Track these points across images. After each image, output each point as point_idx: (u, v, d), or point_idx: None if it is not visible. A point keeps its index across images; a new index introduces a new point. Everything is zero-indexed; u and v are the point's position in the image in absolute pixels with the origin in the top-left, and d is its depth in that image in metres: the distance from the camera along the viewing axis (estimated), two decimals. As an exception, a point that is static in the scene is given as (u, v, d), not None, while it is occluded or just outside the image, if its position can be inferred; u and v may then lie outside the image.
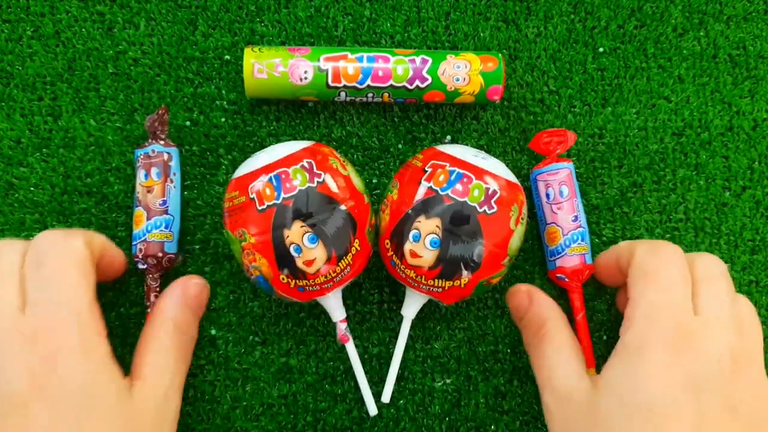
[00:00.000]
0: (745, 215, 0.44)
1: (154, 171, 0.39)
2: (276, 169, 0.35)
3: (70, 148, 0.42)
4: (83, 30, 0.43)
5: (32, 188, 0.42)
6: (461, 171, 0.36)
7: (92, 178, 0.42)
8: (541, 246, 0.42)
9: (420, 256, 0.35)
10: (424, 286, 0.37)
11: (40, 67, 0.42)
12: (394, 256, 0.37)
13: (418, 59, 0.40)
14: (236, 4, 0.43)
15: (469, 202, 0.35)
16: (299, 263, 0.35)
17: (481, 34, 0.44)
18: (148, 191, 0.39)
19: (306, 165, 0.35)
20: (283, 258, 0.35)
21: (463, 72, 0.40)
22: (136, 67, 0.43)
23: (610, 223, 0.43)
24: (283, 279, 0.35)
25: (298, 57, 0.40)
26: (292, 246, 0.34)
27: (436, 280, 0.36)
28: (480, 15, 0.44)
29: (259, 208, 0.35)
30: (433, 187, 0.36)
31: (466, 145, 0.43)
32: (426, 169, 0.36)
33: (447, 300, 0.37)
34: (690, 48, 0.45)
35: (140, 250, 0.39)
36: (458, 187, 0.35)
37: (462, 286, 0.36)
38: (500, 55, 0.41)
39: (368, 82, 0.40)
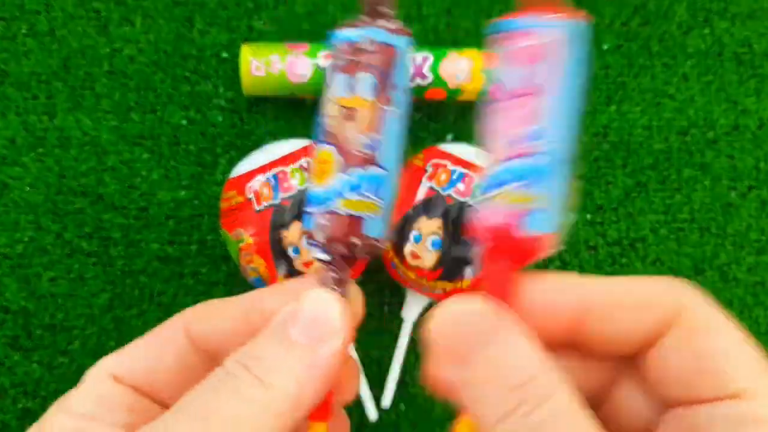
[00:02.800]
0: (751, 215, 0.44)
1: (364, 80, 0.21)
2: (274, 168, 0.35)
3: (65, 147, 0.41)
4: (78, 27, 0.42)
5: (27, 188, 0.41)
6: (463, 170, 0.35)
7: (87, 178, 0.41)
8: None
9: (421, 258, 0.35)
10: (425, 288, 0.36)
11: (35, 65, 0.42)
12: (394, 257, 0.36)
13: (418, 56, 0.40)
14: (234, 1, 0.43)
15: (471, 202, 0.34)
16: (298, 264, 0.34)
17: (483, 31, 0.44)
18: (348, 116, 0.21)
19: (304, 164, 0.35)
20: (281, 259, 0.34)
21: (465, 69, 0.40)
22: (132, 65, 0.42)
23: (614, 224, 0.43)
24: (281, 281, 0.35)
25: (296, 54, 0.39)
26: (291, 247, 0.34)
27: (438, 282, 0.35)
28: (482, 11, 0.44)
29: (257, 208, 0.34)
30: (435, 186, 0.35)
31: (468, 144, 0.43)
32: (427, 168, 0.36)
33: (448, 302, 0.37)
34: (695, 46, 0.44)
35: (321, 226, 0.21)
36: (460, 186, 0.35)
37: (464, 287, 0.35)
38: (502, 52, 0.40)
39: (368, 80, 0.39)
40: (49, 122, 0.42)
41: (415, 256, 0.35)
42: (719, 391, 0.18)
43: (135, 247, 0.41)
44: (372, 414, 0.40)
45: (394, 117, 0.20)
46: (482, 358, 0.18)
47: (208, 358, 0.22)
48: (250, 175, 0.35)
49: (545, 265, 0.42)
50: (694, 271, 0.43)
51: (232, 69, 0.42)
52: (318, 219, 0.20)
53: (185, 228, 0.41)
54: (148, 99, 0.42)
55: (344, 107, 0.20)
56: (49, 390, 0.40)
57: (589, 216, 0.43)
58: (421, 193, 0.35)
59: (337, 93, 0.20)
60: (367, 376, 0.41)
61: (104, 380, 0.21)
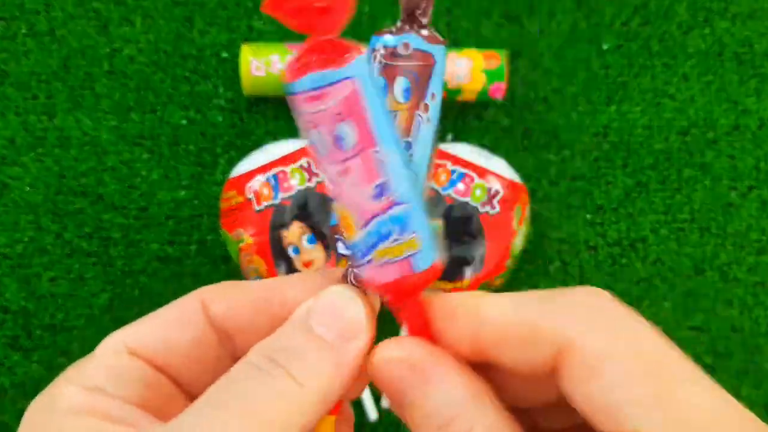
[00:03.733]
0: (751, 215, 0.43)
1: (399, 84, 0.20)
2: (274, 168, 0.35)
3: (65, 147, 0.41)
4: (78, 27, 0.42)
5: (27, 188, 0.41)
6: (463, 170, 0.35)
7: (87, 178, 0.41)
8: (543, 243, 0.42)
9: (421, 257, 0.35)
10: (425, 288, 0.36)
11: (35, 65, 0.42)
12: (394, 257, 0.36)
13: (419, 56, 0.40)
14: (233, 0, 0.43)
15: (471, 202, 0.34)
16: (298, 264, 0.34)
17: (483, 31, 0.43)
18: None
19: (304, 164, 0.35)
20: (281, 259, 0.34)
21: (465, 69, 0.40)
22: (131, 65, 0.42)
23: (614, 224, 0.43)
24: (281, 281, 0.35)
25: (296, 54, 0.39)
26: (291, 247, 0.34)
27: (438, 282, 0.35)
28: (482, 11, 0.44)
29: (257, 208, 0.34)
30: (435, 186, 0.35)
31: (468, 144, 0.43)
32: (427, 168, 0.36)
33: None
34: (695, 46, 0.44)
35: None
36: (460, 186, 0.35)
37: (464, 287, 0.35)
38: (503, 52, 0.41)
39: (368, 79, 0.39)
40: (48, 122, 0.42)
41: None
42: (618, 430, 0.17)
43: (135, 247, 0.41)
44: (372, 414, 0.40)
45: (427, 123, 0.20)
46: (410, 402, 0.19)
47: (225, 338, 0.21)
48: (250, 175, 0.35)
49: (546, 266, 0.42)
50: (695, 271, 0.43)
51: (232, 69, 0.42)
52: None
53: (185, 228, 0.41)
54: (147, 99, 0.42)
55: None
56: (49, 390, 0.40)
57: (589, 216, 0.43)
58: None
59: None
60: (367, 376, 0.41)
61: (119, 352, 0.20)
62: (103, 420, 0.18)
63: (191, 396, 0.21)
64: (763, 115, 0.44)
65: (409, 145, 0.20)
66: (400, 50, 0.20)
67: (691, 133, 0.44)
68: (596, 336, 0.17)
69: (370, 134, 0.18)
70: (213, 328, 0.21)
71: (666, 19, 0.44)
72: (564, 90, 0.43)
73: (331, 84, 0.17)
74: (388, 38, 0.20)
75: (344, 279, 0.21)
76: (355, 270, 0.20)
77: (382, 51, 0.20)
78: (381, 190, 0.18)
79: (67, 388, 0.19)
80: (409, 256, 0.19)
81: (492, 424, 0.18)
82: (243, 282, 0.22)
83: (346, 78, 0.17)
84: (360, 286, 0.21)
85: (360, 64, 0.17)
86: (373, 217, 0.18)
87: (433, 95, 0.20)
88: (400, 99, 0.20)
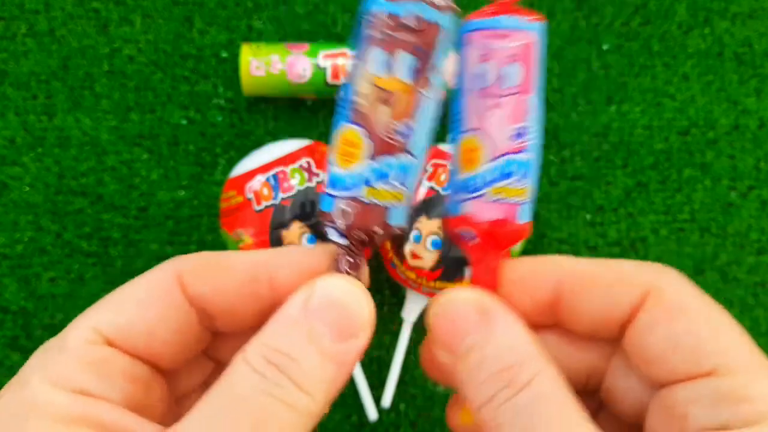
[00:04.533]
0: (752, 216, 0.43)
1: (403, 60, 0.19)
2: (274, 168, 0.35)
3: (64, 147, 0.41)
4: (78, 27, 0.42)
5: (26, 188, 0.41)
6: (463, 170, 0.35)
7: (87, 178, 0.41)
8: (543, 243, 0.42)
9: (421, 258, 0.35)
10: (425, 288, 0.36)
11: (35, 65, 0.42)
12: (394, 257, 0.36)
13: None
14: (233, 0, 0.43)
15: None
16: (297, 265, 0.34)
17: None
18: (384, 99, 0.19)
19: (304, 164, 0.35)
20: (280, 259, 0.34)
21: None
22: (131, 65, 0.42)
23: (614, 224, 0.43)
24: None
25: (296, 54, 0.39)
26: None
27: (438, 282, 0.35)
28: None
29: (257, 208, 0.34)
30: (435, 186, 0.35)
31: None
32: (427, 168, 0.36)
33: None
34: (695, 45, 0.44)
35: (343, 212, 0.20)
36: (460, 186, 0.35)
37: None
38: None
39: (368, 79, 0.39)
40: (48, 122, 0.42)
41: (415, 256, 0.35)
42: (694, 370, 0.17)
43: (134, 247, 0.41)
44: (372, 414, 0.40)
45: (431, 101, 0.20)
46: (471, 344, 0.18)
47: (206, 316, 0.20)
48: (250, 175, 0.35)
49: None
50: (695, 272, 0.43)
51: (231, 69, 0.42)
52: (340, 204, 0.19)
53: (185, 228, 0.41)
54: (147, 99, 0.42)
55: (380, 88, 0.19)
56: (49, 390, 0.40)
57: (589, 216, 0.43)
58: (421, 193, 0.35)
59: (372, 70, 0.19)
60: (367, 376, 0.41)
61: (94, 343, 0.18)
62: (97, 430, 0.17)
63: (168, 375, 0.20)
64: (763, 115, 0.44)
65: (410, 129, 0.19)
66: (407, 21, 0.18)
67: (691, 133, 0.44)
68: (679, 287, 0.19)
69: (531, 82, 0.20)
70: (193, 308, 0.20)
71: (666, 19, 0.44)
72: (564, 90, 0.43)
73: (517, 29, 0.19)
74: (395, 5, 0.18)
75: (336, 265, 0.20)
76: (464, 200, 0.20)
77: (385, 19, 0.18)
78: (521, 133, 0.20)
79: (45, 390, 0.17)
80: (517, 203, 0.20)
81: (556, 376, 0.18)
82: (223, 255, 0.20)
83: (531, 30, 0.19)
84: (356, 270, 0.20)
85: (541, 27, 0.20)
86: (505, 154, 0.20)
87: (438, 69, 0.19)
88: (405, 77, 0.19)
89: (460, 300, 0.19)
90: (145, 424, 0.17)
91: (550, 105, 0.43)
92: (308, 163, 0.35)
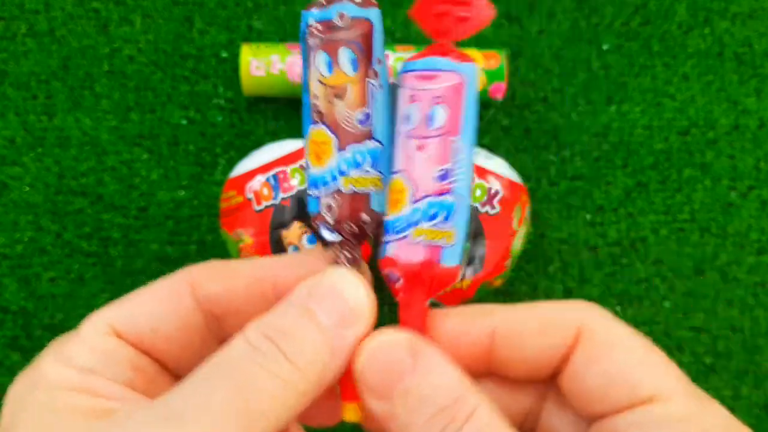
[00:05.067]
0: (752, 216, 0.43)
1: (344, 56, 0.21)
2: (274, 168, 0.35)
3: (64, 147, 0.41)
4: (78, 27, 0.42)
5: (26, 188, 0.41)
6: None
7: (87, 178, 0.41)
8: (543, 243, 0.42)
9: (421, 258, 0.35)
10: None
11: (35, 65, 0.42)
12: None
13: (418, 56, 0.40)
14: (233, 0, 0.43)
15: (471, 202, 0.34)
16: (297, 265, 0.34)
17: (483, 31, 0.43)
18: (336, 95, 0.21)
19: (304, 164, 0.35)
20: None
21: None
22: (131, 65, 0.42)
23: (614, 224, 0.43)
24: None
25: (296, 54, 0.39)
26: (291, 247, 0.34)
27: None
28: (482, 12, 0.44)
29: (257, 208, 0.34)
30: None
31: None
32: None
33: (448, 302, 0.37)
34: (695, 46, 0.44)
35: (328, 207, 0.21)
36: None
37: (464, 288, 0.35)
38: (503, 52, 0.40)
39: (368, 79, 0.39)
40: (48, 122, 0.42)
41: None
42: (632, 399, 0.19)
43: (134, 247, 0.41)
44: (372, 414, 0.40)
45: (381, 89, 0.21)
46: (403, 389, 0.18)
47: (213, 320, 0.21)
48: (250, 175, 0.35)
49: (546, 266, 0.42)
50: (695, 272, 0.43)
51: (231, 69, 0.42)
52: (325, 200, 0.20)
53: (185, 228, 0.41)
54: (147, 99, 0.42)
55: (331, 85, 0.20)
56: (49, 390, 0.40)
57: (589, 216, 0.43)
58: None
59: (321, 72, 0.20)
60: (367, 376, 0.41)
61: (105, 334, 0.20)
62: (95, 396, 0.18)
63: (176, 377, 0.21)
64: (763, 115, 0.44)
65: (368, 117, 0.20)
66: (337, 21, 0.20)
67: (691, 133, 0.44)
68: (606, 323, 0.20)
69: (456, 124, 0.20)
70: (201, 311, 0.21)
71: (666, 19, 0.44)
72: (564, 90, 0.43)
73: (445, 70, 0.20)
74: (321, 11, 0.20)
75: (335, 263, 0.21)
76: (388, 242, 0.20)
77: (318, 26, 0.20)
78: (445, 175, 0.20)
79: (55, 367, 0.19)
80: (441, 246, 0.20)
81: (493, 407, 0.18)
82: (232, 262, 0.21)
83: (458, 72, 0.20)
84: (355, 266, 0.21)
85: (472, 69, 0.20)
86: (427, 195, 0.20)
87: (378, 60, 0.21)
88: (349, 72, 0.20)
89: (390, 344, 0.19)
90: (141, 399, 0.18)
91: (550, 105, 0.43)
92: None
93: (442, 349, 0.19)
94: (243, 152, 0.42)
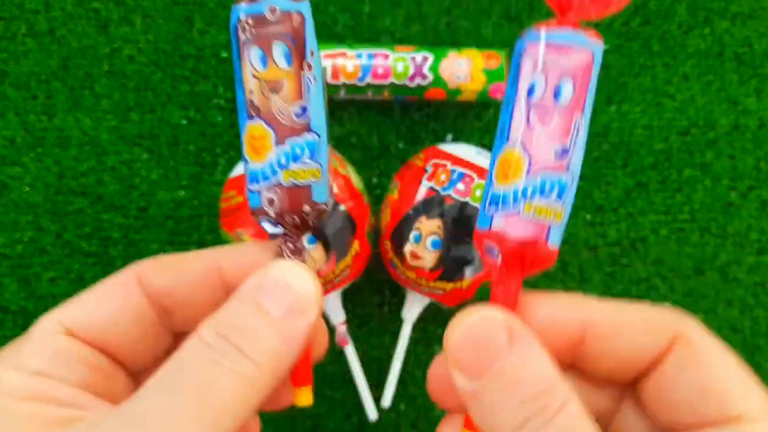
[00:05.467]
0: (752, 215, 0.43)
1: (278, 50, 0.21)
2: (273, 168, 0.34)
3: (64, 147, 0.41)
4: (78, 27, 0.42)
5: (26, 188, 0.41)
6: (463, 170, 0.35)
7: (87, 178, 0.41)
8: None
9: (421, 258, 0.35)
10: (425, 288, 0.36)
11: (35, 65, 0.42)
12: (394, 257, 0.36)
13: (418, 56, 0.39)
14: (233, 0, 0.43)
15: (472, 202, 0.34)
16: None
17: (483, 31, 0.43)
18: (272, 89, 0.21)
19: (242, 159, 0.35)
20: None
21: (465, 69, 0.40)
22: (131, 65, 0.42)
23: (614, 224, 0.43)
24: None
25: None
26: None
27: (438, 282, 0.35)
28: (482, 11, 0.44)
29: (257, 208, 0.34)
30: (435, 186, 0.35)
31: (468, 144, 0.43)
32: (427, 168, 0.36)
33: (449, 302, 0.37)
34: (695, 45, 0.44)
35: (270, 201, 0.21)
36: (460, 186, 0.35)
37: (464, 288, 0.35)
38: (503, 52, 0.40)
39: (368, 79, 0.39)
40: (48, 122, 0.42)
41: (414, 256, 0.35)
42: (721, 415, 0.18)
43: (134, 247, 0.41)
44: (372, 414, 0.40)
45: (316, 81, 0.21)
46: (497, 369, 0.18)
47: (164, 313, 0.21)
48: (250, 175, 0.35)
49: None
50: (695, 272, 0.43)
51: (231, 69, 0.42)
52: (266, 194, 0.21)
53: (184, 228, 0.41)
54: (147, 99, 0.42)
55: (266, 80, 0.20)
56: (49, 390, 0.40)
57: (589, 216, 0.43)
58: (421, 193, 0.35)
59: (255, 67, 0.20)
60: (367, 376, 0.41)
61: (57, 334, 0.20)
62: (49, 404, 0.18)
63: (133, 373, 0.21)
64: (763, 115, 0.44)
65: (304, 110, 0.20)
66: (268, 16, 0.20)
67: (691, 133, 0.44)
68: (703, 335, 0.19)
69: (582, 101, 0.19)
70: (151, 305, 0.21)
71: (666, 19, 0.44)
72: (564, 90, 0.43)
73: (578, 46, 0.19)
74: (251, 5, 0.20)
75: (280, 254, 0.21)
76: (493, 214, 0.20)
77: (250, 21, 0.20)
78: (564, 151, 0.19)
79: (7, 373, 0.18)
80: (549, 224, 0.20)
81: (581, 405, 0.18)
82: (179, 255, 0.22)
83: (591, 48, 0.19)
84: (299, 256, 0.21)
85: (601, 49, 0.20)
86: (545, 169, 0.19)
87: (311, 52, 0.21)
88: (284, 65, 0.20)
89: (488, 321, 0.19)
90: (98, 402, 0.18)
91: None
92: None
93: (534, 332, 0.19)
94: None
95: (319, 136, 0.21)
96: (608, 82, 0.44)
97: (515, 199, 0.19)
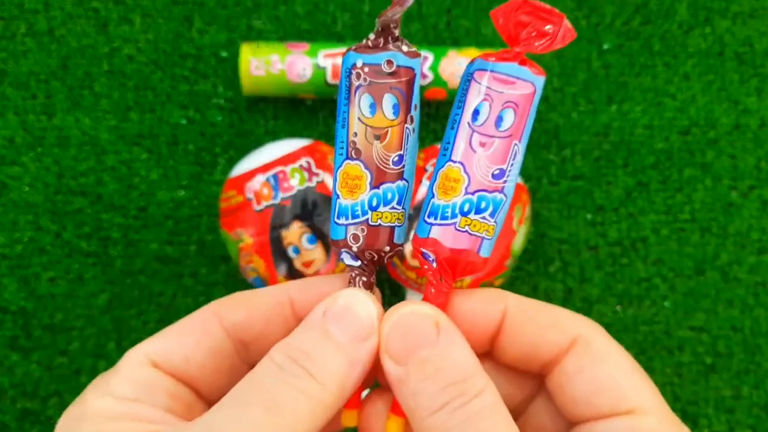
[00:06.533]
0: (752, 215, 0.43)
1: (388, 101, 0.22)
2: (273, 168, 0.34)
3: (64, 146, 0.41)
4: (77, 27, 0.42)
5: (26, 188, 0.41)
6: (463, 170, 0.35)
7: (87, 178, 0.41)
8: (544, 243, 0.42)
9: (421, 258, 0.35)
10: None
11: (34, 64, 0.42)
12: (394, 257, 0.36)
13: (419, 56, 0.39)
14: (233, 0, 0.43)
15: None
16: (297, 264, 0.34)
17: (483, 31, 0.43)
18: (376, 136, 0.22)
19: (304, 164, 0.35)
20: (280, 259, 0.34)
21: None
22: (130, 65, 0.42)
23: (615, 224, 0.43)
24: (281, 281, 0.34)
25: (296, 53, 0.39)
26: (291, 247, 0.34)
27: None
28: (482, 11, 0.43)
29: (257, 208, 0.34)
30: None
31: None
32: (427, 168, 0.36)
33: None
34: (696, 45, 0.44)
35: (355, 237, 0.23)
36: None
37: (464, 287, 0.35)
38: (503, 51, 0.40)
39: (368, 79, 0.39)
40: (47, 122, 0.42)
41: (415, 256, 0.35)
42: (615, 408, 0.21)
43: (134, 247, 0.41)
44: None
45: (414, 133, 0.23)
46: (422, 357, 0.20)
47: (241, 346, 0.23)
48: (250, 174, 0.35)
49: (546, 266, 0.42)
50: (695, 271, 0.43)
51: (231, 68, 0.42)
52: (352, 230, 0.22)
53: (184, 228, 0.41)
54: (147, 98, 0.42)
55: (372, 127, 0.22)
56: (49, 390, 0.40)
57: (589, 216, 0.43)
58: (421, 193, 0.35)
59: (363, 112, 0.22)
60: (367, 376, 0.41)
61: (144, 366, 0.21)
62: (138, 422, 0.20)
63: (210, 403, 0.22)
64: (764, 115, 0.44)
65: (401, 158, 0.22)
66: (385, 68, 0.22)
67: (691, 133, 0.44)
68: (604, 339, 0.22)
69: (521, 129, 0.22)
70: (229, 339, 0.22)
71: (667, 18, 0.44)
72: (564, 90, 0.43)
73: (522, 79, 0.21)
74: (369, 56, 0.21)
75: (351, 283, 0.23)
76: (433, 224, 0.22)
77: (366, 69, 0.22)
78: (500, 174, 0.22)
79: (99, 398, 0.20)
80: (482, 237, 0.22)
81: (497, 394, 0.20)
82: (254, 291, 0.23)
83: (534, 82, 0.21)
84: (369, 290, 0.22)
85: (543, 82, 0.22)
86: (481, 190, 0.22)
87: (415, 106, 0.22)
88: (391, 116, 0.22)
89: (419, 314, 0.21)
90: (182, 422, 0.20)
91: (550, 105, 0.43)
92: (308, 162, 0.35)
93: (460, 328, 0.21)
94: (243, 152, 0.42)
95: (408, 183, 0.23)
96: (609, 82, 0.44)
97: (453, 214, 0.22)
